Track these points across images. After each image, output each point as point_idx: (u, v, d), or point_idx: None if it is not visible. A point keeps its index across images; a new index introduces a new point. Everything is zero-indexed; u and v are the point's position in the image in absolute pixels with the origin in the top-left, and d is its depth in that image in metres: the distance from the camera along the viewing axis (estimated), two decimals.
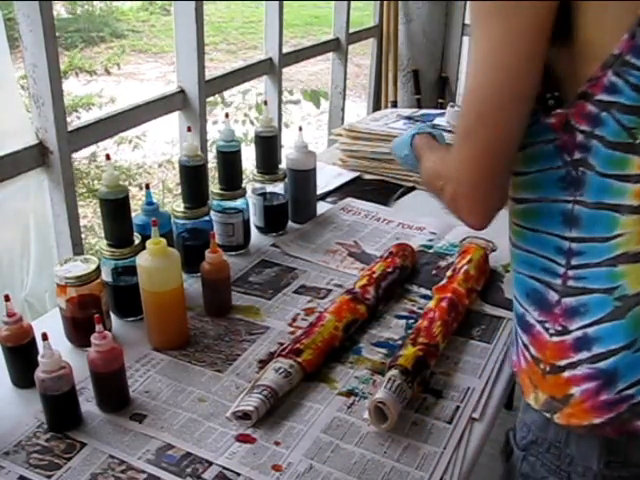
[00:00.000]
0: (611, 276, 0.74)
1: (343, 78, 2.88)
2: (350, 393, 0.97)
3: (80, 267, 1.02)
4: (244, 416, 0.91)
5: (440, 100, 3.37)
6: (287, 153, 1.46)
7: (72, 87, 4.23)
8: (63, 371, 0.87)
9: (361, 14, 3.93)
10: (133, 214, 1.12)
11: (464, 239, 1.39)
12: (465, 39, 3.44)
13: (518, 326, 0.86)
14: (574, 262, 0.76)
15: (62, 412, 0.90)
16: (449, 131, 1.67)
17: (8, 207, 1.51)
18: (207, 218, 1.26)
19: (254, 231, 1.41)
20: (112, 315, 1.11)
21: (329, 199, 1.61)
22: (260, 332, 1.10)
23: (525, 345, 0.84)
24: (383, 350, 1.07)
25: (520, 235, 0.83)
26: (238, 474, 0.83)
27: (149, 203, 1.17)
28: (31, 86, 1.38)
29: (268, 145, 1.40)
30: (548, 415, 0.82)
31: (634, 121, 0.68)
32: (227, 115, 1.31)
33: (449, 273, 1.21)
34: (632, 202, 0.71)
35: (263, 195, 1.40)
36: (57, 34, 1.39)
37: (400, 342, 1.06)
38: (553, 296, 0.79)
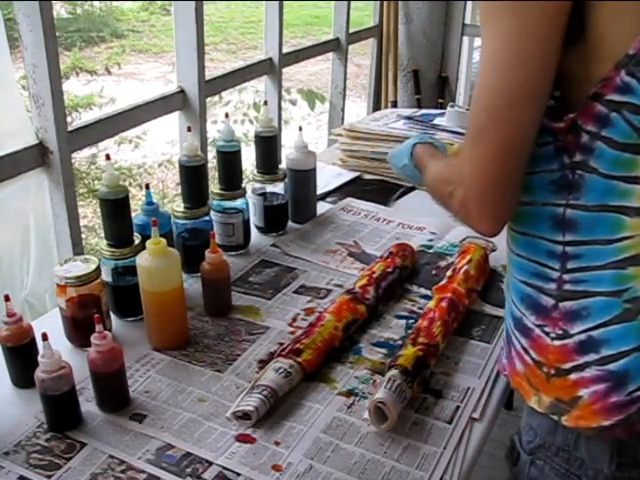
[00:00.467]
0: (619, 279, 0.73)
1: (343, 78, 2.88)
2: (350, 393, 0.97)
3: (80, 267, 1.02)
4: (244, 416, 0.91)
5: (440, 100, 3.36)
6: (287, 153, 1.46)
7: (72, 87, 4.23)
8: (63, 371, 0.87)
9: (361, 14, 3.93)
10: (133, 214, 1.12)
11: (464, 239, 1.38)
12: (465, 39, 3.45)
13: (516, 329, 0.85)
14: (570, 266, 0.75)
15: (62, 412, 0.90)
16: (449, 131, 1.67)
17: (8, 207, 1.51)
18: (207, 218, 1.26)
19: (254, 231, 1.41)
20: (112, 315, 1.11)
21: (329, 199, 1.61)
22: (260, 332, 1.10)
23: (524, 349, 0.83)
24: (383, 350, 1.06)
25: (513, 239, 0.83)
26: (238, 474, 0.83)
27: (149, 203, 1.17)
28: (31, 86, 1.38)
29: (268, 145, 1.40)
30: (555, 417, 0.81)
31: None
32: (227, 115, 1.31)
33: (449, 273, 1.21)
34: None
35: (263, 195, 1.40)
36: (57, 34, 1.39)
37: (400, 342, 1.06)
38: (547, 301, 0.78)
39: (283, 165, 1.45)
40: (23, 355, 0.95)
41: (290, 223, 1.47)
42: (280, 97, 2.37)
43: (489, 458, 1.87)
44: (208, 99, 1.94)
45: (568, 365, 0.78)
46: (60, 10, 5.48)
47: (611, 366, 0.75)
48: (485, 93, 0.71)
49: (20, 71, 1.52)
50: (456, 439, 0.90)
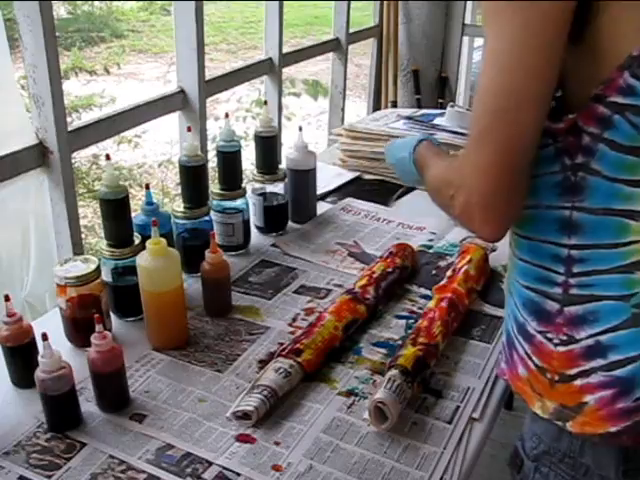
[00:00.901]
0: (628, 283, 0.72)
1: (343, 78, 2.88)
2: (350, 393, 0.97)
3: (80, 267, 1.02)
4: (244, 416, 0.91)
5: (440, 100, 3.36)
6: (287, 153, 1.46)
7: (72, 87, 4.23)
8: (63, 371, 0.87)
9: (361, 14, 3.93)
10: (133, 214, 1.12)
11: (464, 239, 1.39)
12: (465, 39, 3.45)
13: (519, 335, 0.84)
14: (576, 270, 0.74)
15: (62, 412, 0.90)
16: (449, 131, 1.67)
17: (8, 207, 1.51)
18: (207, 218, 1.26)
19: (254, 231, 1.41)
20: (112, 315, 1.11)
21: (329, 199, 1.61)
22: (260, 332, 1.10)
23: (527, 354, 0.82)
24: (383, 350, 1.06)
25: (516, 243, 0.82)
26: (238, 474, 0.83)
27: (149, 203, 1.17)
28: (31, 86, 1.38)
29: (268, 145, 1.40)
30: (560, 423, 0.80)
31: None
32: (227, 115, 1.31)
33: (449, 273, 1.21)
34: None
35: (263, 195, 1.40)
36: (57, 34, 1.39)
37: (400, 342, 1.06)
38: (553, 306, 0.77)
39: (283, 165, 1.45)
40: (23, 355, 0.95)
41: (290, 223, 1.47)
42: (280, 97, 2.37)
43: (489, 458, 1.87)
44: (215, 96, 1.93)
45: (573, 371, 0.76)
46: (60, 10, 5.48)
47: (618, 372, 0.74)
48: (488, 94, 0.70)
49: (20, 71, 1.52)
50: (456, 439, 0.90)
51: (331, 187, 1.66)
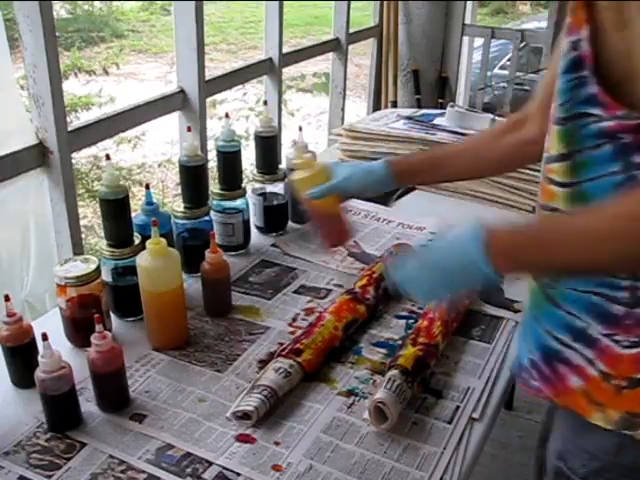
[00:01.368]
0: None
1: (343, 78, 2.88)
2: (350, 393, 0.97)
3: (80, 267, 1.02)
4: (244, 416, 0.91)
5: (440, 100, 3.37)
6: (287, 153, 1.46)
7: (72, 87, 4.23)
8: (63, 371, 0.87)
9: (361, 14, 3.93)
10: (133, 214, 1.12)
11: None
12: (465, 39, 3.45)
13: (577, 342, 0.78)
14: None
15: (62, 412, 0.90)
16: (449, 131, 1.67)
17: (8, 207, 1.51)
18: (207, 218, 1.26)
19: (254, 231, 1.41)
20: (112, 315, 1.11)
21: None
22: (260, 332, 1.10)
23: (589, 360, 0.77)
24: (383, 350, 1.06)
25: None
26: (238, 474, 0.83)
27: (149, 203, 1.17)
28: (31, 86, 1.38)
29: (268, 145, 1.40)
30: (628, 432, 0.75)
31: None
32: (227, 115, 1.31)
33: None
34: None
35: (263, 195, 1.40)
36: (57, 34, 1.39)
37: (400, 342, 1.06)
38: (618, 309, 0.74)
39: (283, 165, 1.45)
40: (23, 355, 0.95)
41: (290, 223, 1.47)
42: (280, 97, 2.37)
43: (489, 458, 1.88)
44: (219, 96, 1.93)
45: None
46: (60, 10, 5.48)
47: None
48: None
49: (20, 71, 1.52)
50: (456, 439, 0.90)
51: None
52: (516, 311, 1.16)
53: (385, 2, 3.11)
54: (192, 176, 1.24)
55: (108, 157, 1.07)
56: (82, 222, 2.44)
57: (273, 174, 1.39)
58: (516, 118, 1.08)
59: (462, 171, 1.14)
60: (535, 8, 9.94)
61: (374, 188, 1.12)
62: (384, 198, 1.62)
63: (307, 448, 0.87)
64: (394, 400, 0.89)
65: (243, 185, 1.32)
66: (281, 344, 1.05)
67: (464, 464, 0.86)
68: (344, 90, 2.92)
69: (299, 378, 0.98)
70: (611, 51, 0.68)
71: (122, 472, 0.83)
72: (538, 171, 1.59)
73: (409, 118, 1.80)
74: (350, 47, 2.89)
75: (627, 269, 0.71)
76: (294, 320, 1.14)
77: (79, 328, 1.03)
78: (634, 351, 0.74)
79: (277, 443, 0.88)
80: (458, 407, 0.95)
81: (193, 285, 1.21)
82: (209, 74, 1.92)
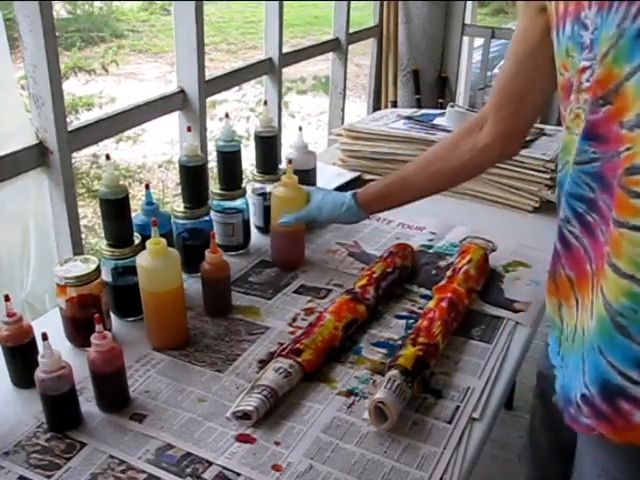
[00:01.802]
0: None
1: (343, 78, 2.89)
2: (350, 393, 0.97)
3: (80, 267, 1.02)
4: (244, 416, 0.91)
5: (440, 100, 3.37)
6: (287, 153, 1.46)
7: (72, 87, 4.23)
8: (63, 371, 0.87)
9: (361, 14, 3.93)
10: (133, 214, 1.12)
11: (464, 239, 1.39)
12: (465, 39, 3.45)
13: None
14: None
15: (62, 412, 0.90)
16: (449, 131, 1.67)
17: (8, 207, 1.51)
18: (207, 218, 1.26)
19: (254, 231, 1.41)
20: (112, 315, 1.11)
21: None
22: (260, 332, 1.10)
23: None
24: (383, 350, 1.06)
25: None
26: (238, 474, 0.83)
27: (149, 203, 1.17)
28: (31, 86, 1.38)
29: (268, 145, 1.40)
30: None
31: None
32: (227, 115, 1.31)
33: (449, 273, 1.21)
34: None
35: (263, 195, 1.40)
36: (57, 34, 1.39)
37: (400, 342, 1.06)
38: None
39: (283, 165, 1.45)
40: (23, 355, 0.95)
41: None
42: (280, 97, 2.37)
43: (489, 458, 1.88)
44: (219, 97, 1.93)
45: None
46: (60, 10, 5.48)
47: None
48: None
49: (20, 71, 1.52)
50: (456, 439, 0.90)
51: (331, 187, 1.66)
52: (516, 311, 1.16)
53: (385, 2, 3.11)
54: (192, 176, 1.24)
55: (108, 157, 1.07)
56: (82, 222, 2.44)
57: (273, 174, 1.39)
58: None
59: (426, 187, 1.17)
60: None
61: (345, 219, 1.23)
62: None
63: (307, 448, 0.87)
64: (394, 400, 0.89)
65: (243, 185, 1.32)
66: (281, 344, 1.05)
67: (464, 464, 0.86)
68: (344, 90, 2.92)
69: (299, 378, 0.98)
70: None
71: (122, 472, 0.83)
72: (539, 171, 1.60)
73: (409, 118, 1.80)
74: (350, 47, 2.89)
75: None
76: (294, 320, 1.14)
77: (79, 328, 1.03)
78: None
79: (277, 443, 0.88)
80: (458, 407, 0.95)
81: (193, 285, 1.21)
82: (209, 74, 1.92)
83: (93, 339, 0.89)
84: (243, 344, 1.07)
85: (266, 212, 1.41)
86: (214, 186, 1.31)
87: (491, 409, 0.96)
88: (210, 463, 0.84)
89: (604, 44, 0.71)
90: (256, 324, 1.12)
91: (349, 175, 1.73)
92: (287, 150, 1.51)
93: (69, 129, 1.45)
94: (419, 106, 3.16)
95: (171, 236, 1.21)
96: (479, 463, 0.91)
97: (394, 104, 3.17)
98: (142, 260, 1.01)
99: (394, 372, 0.94)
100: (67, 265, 1.03)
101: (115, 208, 1.07)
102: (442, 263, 1.32)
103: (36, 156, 1.42)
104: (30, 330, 0.96)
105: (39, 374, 0.87)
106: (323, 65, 4.72)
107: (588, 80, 0.76)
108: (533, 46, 0.94)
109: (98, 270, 1.03)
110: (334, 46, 2.82)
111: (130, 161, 4.26)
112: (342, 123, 2.88)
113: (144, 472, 0.83)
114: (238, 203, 1.32)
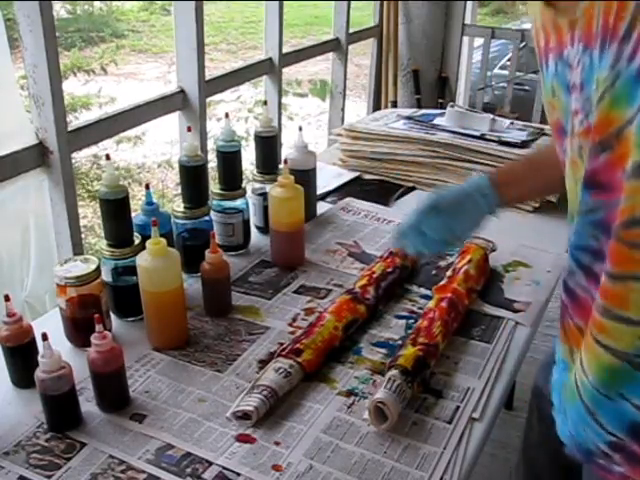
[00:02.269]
0: None
1: (343, 78, 2.89)
2: (350, 393, 0.97)
3: (80, 267, 1.02)
4: (244, 416, 0.91)
5: (440, 100, 3.37)
6: (287, 153, 1.46)
7: (71, 87, 4.23)
8: (63, 371, 0.87)
9: (361, 14, 3.93)
10: (133, 214, 1.12)
11: None
12: (465, 39, 3.45)
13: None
14: None
15: (62, 412, 0.90)
16: (449, 131, 1.67)
17: (8, 207, 1.51)
18: (207, 218, 1.26)
19: (254, 231, 1.41)
20: (112, 315, 1.11)
21: (329, 199, 1.61)
22: (260, 332, 1.10)
23: None
24: (383, 350, 1.06)
25: None
26: (238, 474, 0.83)
27: (149, 203, 1.17)
28: (31, 86, 1.38)
29: (268, 145, 1.40)
30: None
31: None
32: (227, 115, 1.31)
33: (449, 273, 1.21)
34: None
35: (263, 195, 1.40)
36: (57, 34, 1.39)
37: (400, 342, 1.06)
38: None
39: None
40: (23, 355, 0.95)
41: None
42: (280, 97, 2.37)
43: (489, 458, 1.88)
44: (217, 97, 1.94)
45: None
46: (60, 10, 5.48)
47: None
48: None
49: (20, 71, 1.52)
50: (456, 439, 0.90)
51: (331, 187, 1.66)
52: (516, 311, 1.17)
53: (385, 2, 3.11)
54: (192, 176, 1.24)
55: (108, 157, 1.07)
56: (82, 222, 2.44)
57: (273, 174, 1.39)
58: None
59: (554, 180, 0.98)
60: None
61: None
62: (384, 198, 1.62)
63: (307, 448, 0.87)
64: (394, 400, 0.89)
65: (243, 185, 1.32)
66: (281, 344, 1.05)
67: (464, 464, 0.86)
68: (344, 90, 2.92)
69: (299, 378, 0.98)
70: None
71: (122, 472, 0.83)
72: None
73: (409, 118, 1.80)
74: (350, 47, 2.89)
75: None
76: (294, 320, 1.14)
77: (79, 328, 1.03)
78: None
79: (277, 443, 0.88)
80: (458, 407, 0.95)
81: (193, 285, 1.21)
82: (209, 74, 1.92)
83: (93, 339, 0.89)
84: (243, 344, 1.07)
85: (266, 212, 1.41)
86: (214, 186, 1.31)
87: (491, 409, 0.96)
88: (210, 463, 0.84)
89: (600, 86, 0.66)
90: (256, 324, 1.12)
91: (349, 175, 1.73)
92: (287, 150, 1.51)
93: (69, 129, 1.45)
94: (419, 106, 3.16)
95: (171, 236, 1.21)
96: (479, 463, 0.91)
97: (394, 104, 3.17)
98: (142, 260, 1.01)
99: (394, 372, 0.94)
100: (67, 265, 1.03)
101: (115, 208, 1.07)
102: (442, 263, 1.32)
103: (36, 156, 1.42)
104: (30, 330, 0.96)
105: (39, 374, 0.86)
106: (323, 65, 4.73)
107: (582, 123, 0.70)
108: None
109: (98, 270, 1.03)
110: (334, 46, 2.82)
111: (130, 161, 4.26)
112: (342, 123, 2.89)
113: (144, 472, 0.83)
114: (238, 203, 1.32)
